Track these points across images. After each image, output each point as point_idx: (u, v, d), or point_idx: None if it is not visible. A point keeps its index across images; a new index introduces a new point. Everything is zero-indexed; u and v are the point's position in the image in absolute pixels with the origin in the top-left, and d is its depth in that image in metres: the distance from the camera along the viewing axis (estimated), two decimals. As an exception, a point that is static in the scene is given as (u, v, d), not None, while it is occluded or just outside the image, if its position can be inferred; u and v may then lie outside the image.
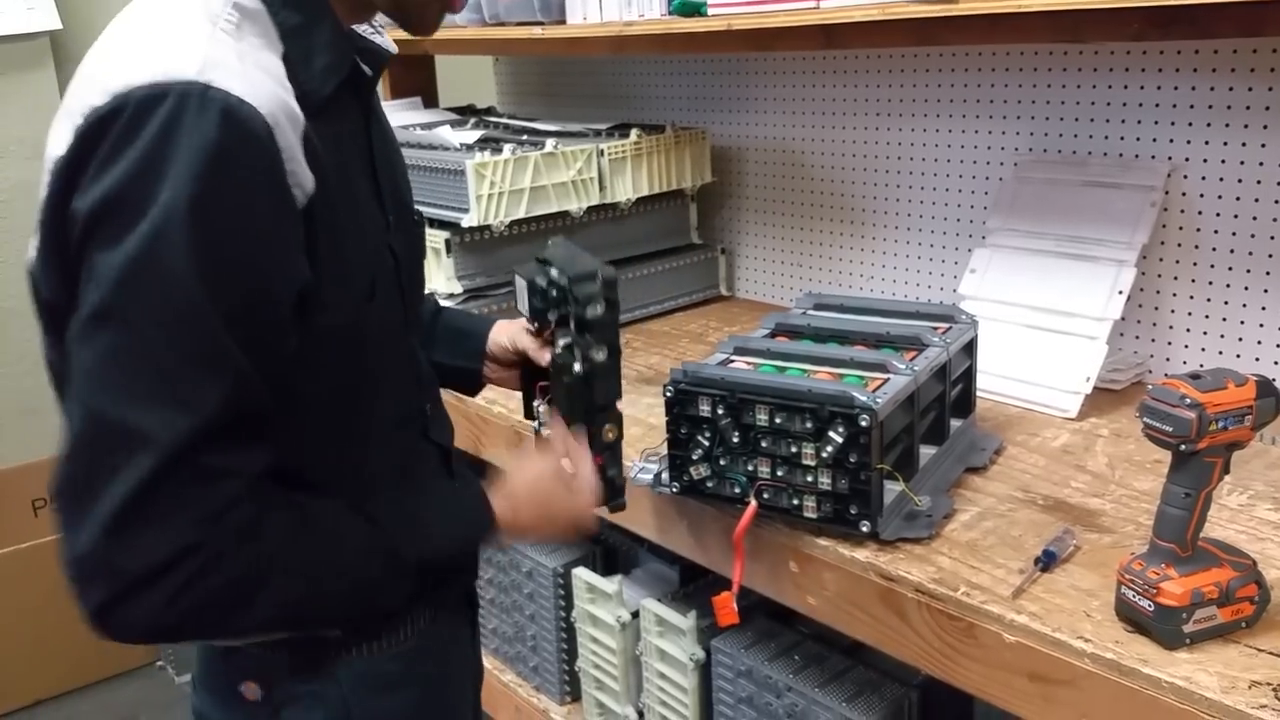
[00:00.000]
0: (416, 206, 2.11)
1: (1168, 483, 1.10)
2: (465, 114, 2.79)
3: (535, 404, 1.37)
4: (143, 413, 0.86)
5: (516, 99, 3.14)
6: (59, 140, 0.90)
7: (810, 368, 1.45)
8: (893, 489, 1.37)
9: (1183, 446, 1.06)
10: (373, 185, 1.11)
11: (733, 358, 1.51)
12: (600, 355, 1.20)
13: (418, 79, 3.00)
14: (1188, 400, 1.05)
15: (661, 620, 1.76)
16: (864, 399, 1.28)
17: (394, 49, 1.17)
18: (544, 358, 1.32)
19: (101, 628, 0.88)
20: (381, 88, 3.02)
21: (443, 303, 1.59)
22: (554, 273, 1.25)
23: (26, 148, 2.98)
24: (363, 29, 1.14)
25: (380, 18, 1.17)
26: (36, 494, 3.04)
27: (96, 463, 0.86)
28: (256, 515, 0.92)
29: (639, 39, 2.02)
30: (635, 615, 1.82)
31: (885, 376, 1.39)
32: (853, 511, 1.31)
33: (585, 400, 1.23)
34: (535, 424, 1.38)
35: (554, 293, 1.26)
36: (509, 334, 1.41)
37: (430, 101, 3.00)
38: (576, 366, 1.21)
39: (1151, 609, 1.09)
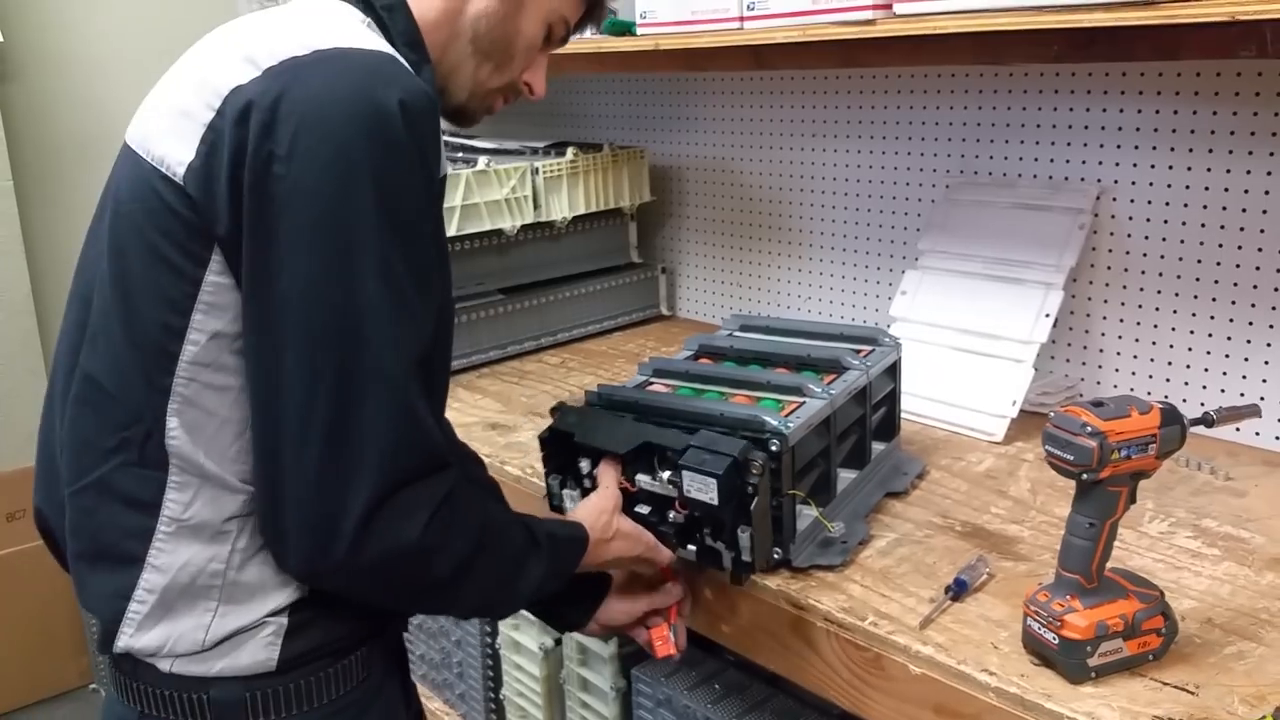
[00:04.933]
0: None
1: (1072, 512, 1.09)
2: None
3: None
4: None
5: (462, 116, 3.11)
6: (231, 73, 0.96)
7: (729, 390, 1.42)
8: (808, 515, 1.34)
9: (1084, 475, 1.04)
10: None
11: (652, 380, 1.49)
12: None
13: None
14: (1089, 428, 1.03)
15: (583, 648, 1.72)
16: (775, 423, 1.26)
17: None
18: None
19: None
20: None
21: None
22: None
23: (-30, 160, 2.92)
24: None
25: None
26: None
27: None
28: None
29: (574, 57, 2.00)
30: (558, 643, 1.79)
31: (801, 400, 1.37)
32: (764, 538, 1.28)
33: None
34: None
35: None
36: None
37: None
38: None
39: (1056, 642, 1.07)
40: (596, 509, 1.24)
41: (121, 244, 1.01)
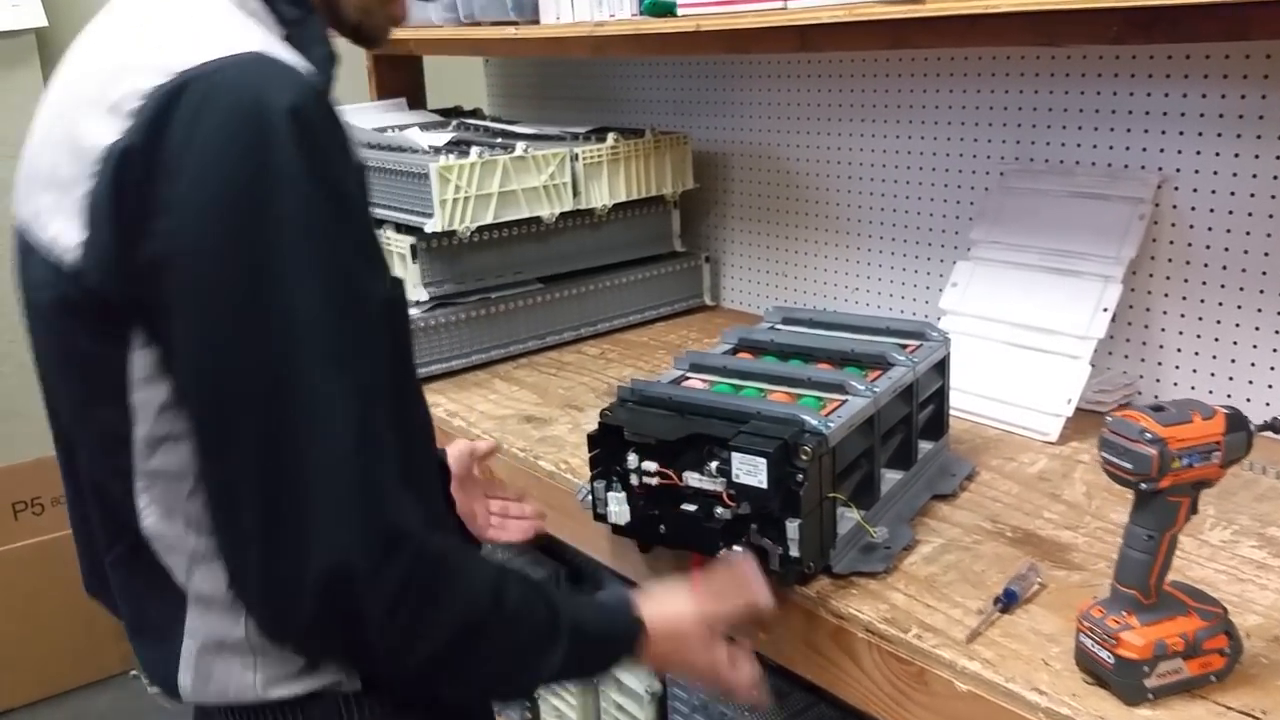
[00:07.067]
0: (380, 212, 2.06)
1: (1129, 523, 1.02)
2: (449, 116, 2.71)
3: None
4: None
5: (506, 101, 3.07)
6: (99, 129, 0.86)
7: (768, 387, 1.37)
8: (850, 519, 1.29)
9: (1143, 485, 0.98)
10: None
11: (688, 375, 1.43)
12: None
13: (405, 79, 2.93)
14: (1148, 435, 0.96)
15: (618, 648, 1.68)
16: (815, 423, 1.20)
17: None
18: None
19: None
20: (368, 88, 2.96)
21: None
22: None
23: (10, 147, 2.91)
24: None
25: None
26: (16, 497, 3.00)
27: None
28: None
29: (615, 40, 1.95)
30: (593, 641, 1.74)
31: (843, 398, 1.31)
32: (803, 543, 1.23)
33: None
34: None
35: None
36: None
37: (417, 102, 2.93)
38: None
39: (1111, 661, 1.00)
40: (681, 603, 1.13)
41: (38, 336, 0.96)
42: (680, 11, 1.74)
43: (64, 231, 0.88)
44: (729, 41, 1.77)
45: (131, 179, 0.84)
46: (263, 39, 0.90)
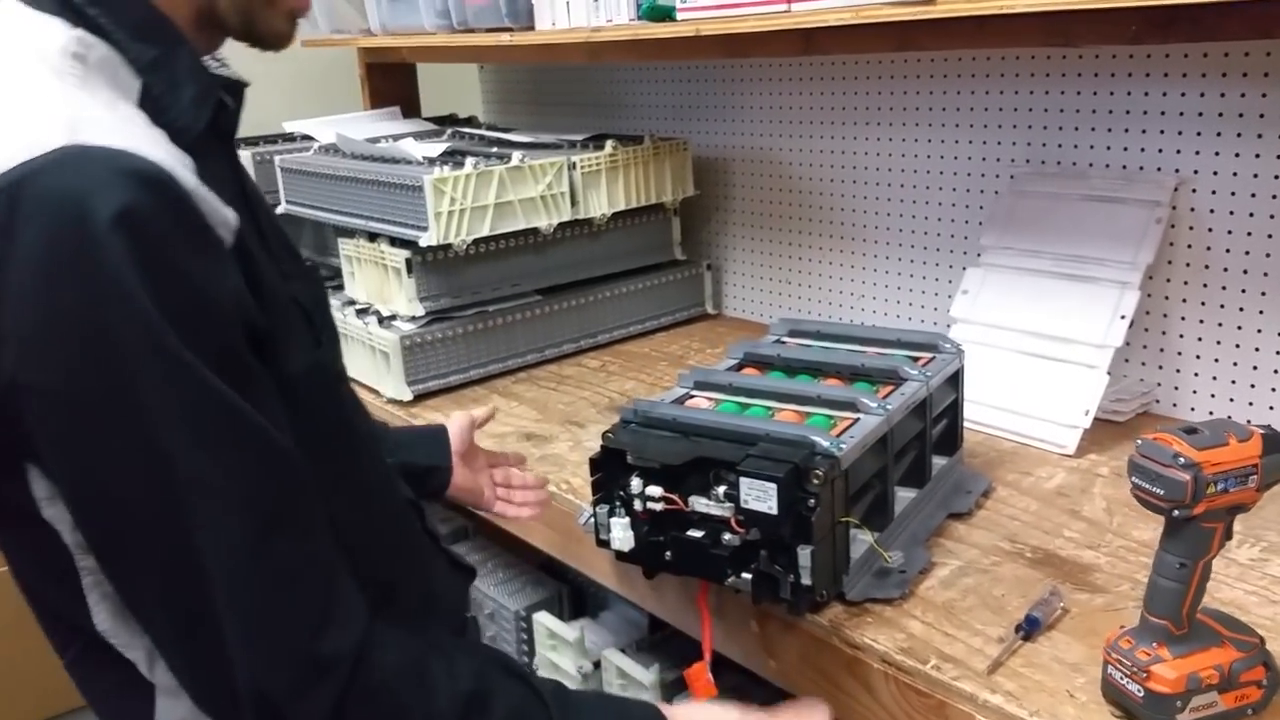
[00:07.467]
0: (374, 225, 1.99)
1: (1160, 550, 0.97)
2: (443, 124, 2.67)
3: None
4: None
5: (501, 108, 3.02)
6: None
7: (775, 405, 1.31)
8: (863, 541, 1.23)
9: (1176, 512, 0.92)
10: (255, 228, 0.96)
11: (692, 393, 1.38)
12: None
13: (398, 88, 2.89)
14: (1182, 459, 0.91)
15: (624, 673, 1.62)
16: (826, 444, 1.15)
17: (248, 81, 1.01)
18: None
19: None
20: (361, 97, 2.90)
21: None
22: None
23: None
24: (208, 62, 0.98)
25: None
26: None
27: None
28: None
29: (611, 45, 1.90)
30: (598, 666, 1.69)
31: (855, 417, 1.25)
32: (815, 569, 1.17)
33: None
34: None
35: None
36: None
37: (410, 111, 2.88)
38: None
39: (1141, 695, 0.95)
40: (726, 711, 1.09)
41: None
42: (679, 15, 1.69)
43: None
44: (730, 46, 1.73)
45: None
46: (82, 115, 0.77)
